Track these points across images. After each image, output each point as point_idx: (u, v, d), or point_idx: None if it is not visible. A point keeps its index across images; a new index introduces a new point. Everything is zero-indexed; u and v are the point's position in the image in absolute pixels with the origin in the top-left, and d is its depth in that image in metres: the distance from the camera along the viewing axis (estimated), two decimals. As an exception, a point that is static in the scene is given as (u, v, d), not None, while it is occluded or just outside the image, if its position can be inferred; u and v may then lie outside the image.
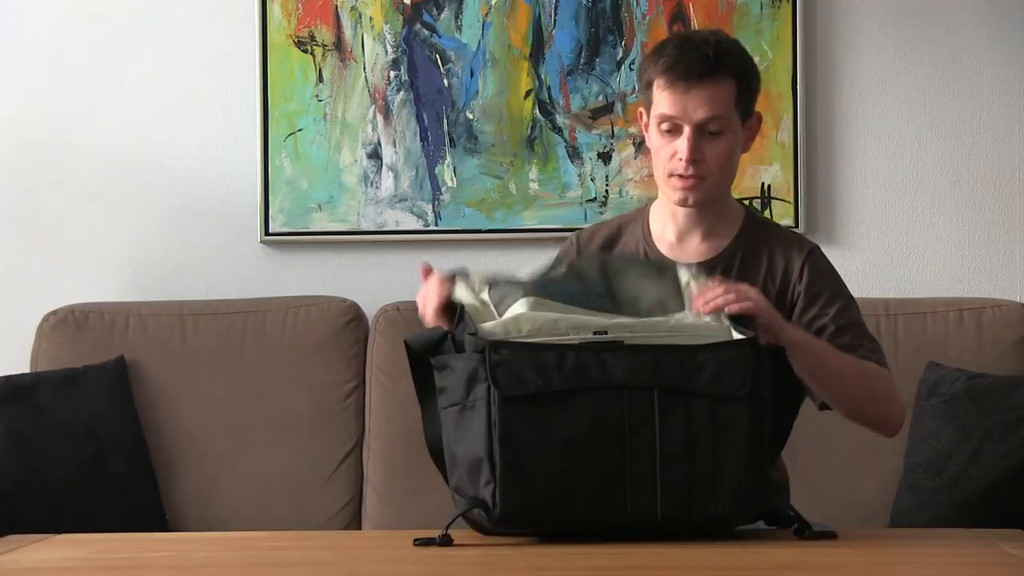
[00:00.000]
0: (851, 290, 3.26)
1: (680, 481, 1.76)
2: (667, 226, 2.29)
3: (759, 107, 2.27)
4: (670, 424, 1.77)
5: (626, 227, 2.34)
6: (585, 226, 2.48)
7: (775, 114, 3.30)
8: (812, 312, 2.22)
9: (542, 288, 1.91)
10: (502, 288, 1.92)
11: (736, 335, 1.84)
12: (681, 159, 2.18)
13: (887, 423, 2.20)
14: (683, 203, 2.23)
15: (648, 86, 2.22)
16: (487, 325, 1.84)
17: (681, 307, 1.92)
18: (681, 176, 2.19)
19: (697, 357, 1.80)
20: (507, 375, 1.76)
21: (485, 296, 1.91)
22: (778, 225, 2.45)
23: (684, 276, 1.96)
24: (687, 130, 2.17)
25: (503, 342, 1.79)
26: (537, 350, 1.78)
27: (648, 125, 2.26)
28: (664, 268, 2.01)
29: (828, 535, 1.83)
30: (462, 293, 1.93)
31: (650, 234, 2.30)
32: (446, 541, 1.78)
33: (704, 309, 1.89)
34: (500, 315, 1.86)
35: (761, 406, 1.81)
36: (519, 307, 1.86)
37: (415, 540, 1.79)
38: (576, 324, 1.83)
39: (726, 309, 1.88)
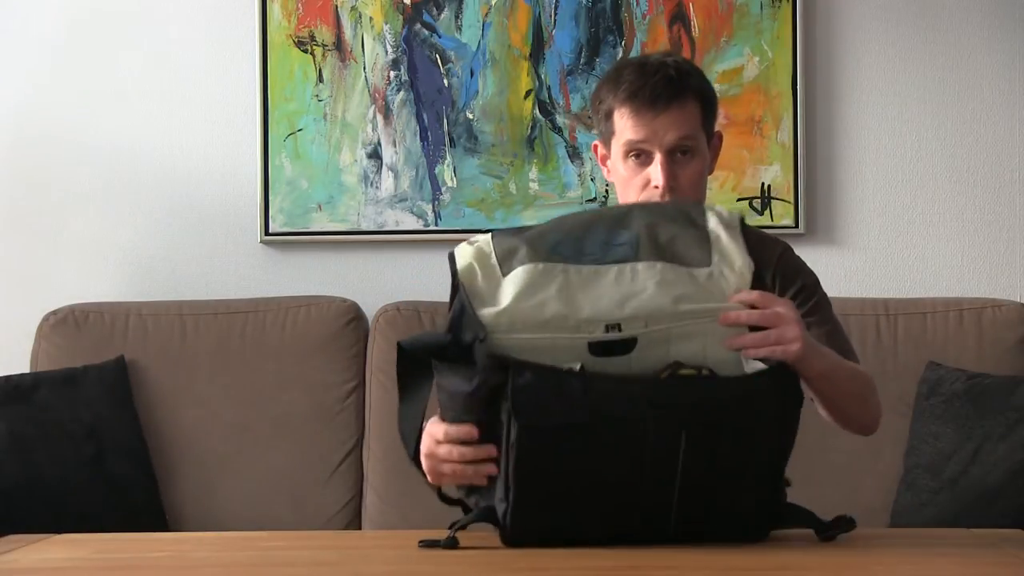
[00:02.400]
0: (851, 290, 3.29)
1: (699, 513, 1.72)
2: None
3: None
4: (694, 459, 1.69)
5: None
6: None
7: (775, 114, 3.30)
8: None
9: (549, 245, 1.75)
10: (506, 240, 1.77)
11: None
12: (657, 187, 2.08)
13: (869, 427, 2.11)
14: None
15: (608, 116, 2.12)
16: (488, 313, 1.70)
17: (706, 261, 1.75)
18: None
19: (726, 389, 1.70)
20: (530, 403, 1.67)
21: (491, 256, 1.76)
22: (747, 227, 2.34)
23: (712, 222, 1.80)
24: (659, 156, 2.08)
25: (526, 363, 1.67)
26: (563, 375, 1.67)
27: (607, 158, 2.17)
28: (692, 219, 1.81)
29: (846, 525, 1.82)
30: (463, 253, 1.77)
31: None
32: (451, 544, 1.75)
33: (745, 352, 1.74)
34: (504, 274, 1.73)
35: (783, 437, 1.75)
36: (519, 276, 1.71)
37: (420, 542, 1.77)
38: (588, 317, 1.69)
39: (771, 356, 1.74)
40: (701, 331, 1.71)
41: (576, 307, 1.71)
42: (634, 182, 2.11)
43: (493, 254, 1.76)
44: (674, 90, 2.08)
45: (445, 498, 1.84)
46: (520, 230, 1.81)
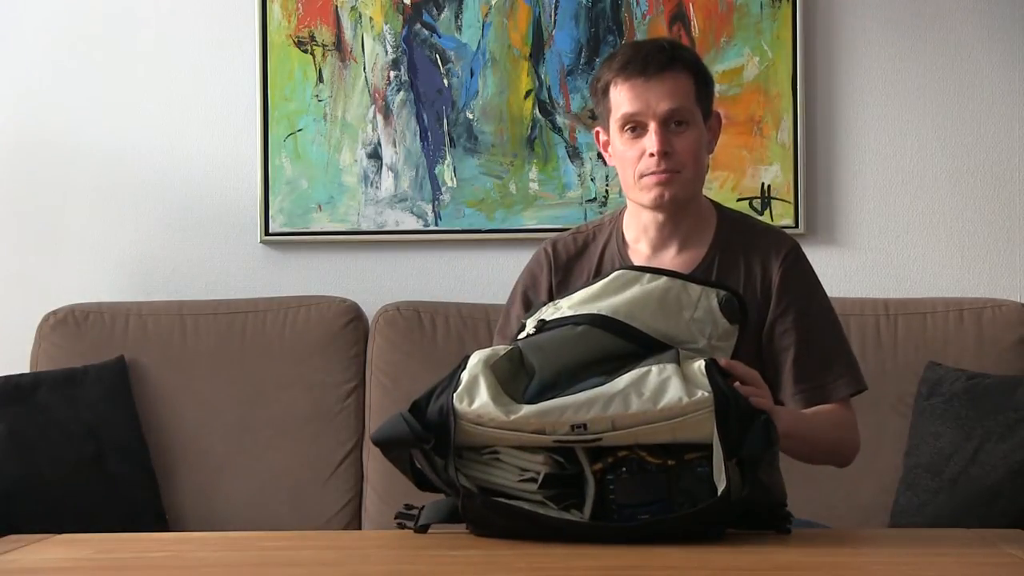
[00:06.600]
0: (851, 290, 3.29)
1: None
2: (640, 239, 2.23)
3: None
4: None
5: (600, 233, 2.29)
6: (557, 233, 2.38)
7: (775, 114, 3.30)
8: (783, 325, 2.17)
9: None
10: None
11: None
12: (652, 154, 2.13)
13: (840, 464, 2.22)
14: (659, 201, 2.15)
15: (605, 92, 2.17)
16: (460, 405, 1.76)
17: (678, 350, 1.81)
18: (654, 173, 2.13)
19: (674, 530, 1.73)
20: (476, 516, 1.78)
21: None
22: (754, 222, 2.32)
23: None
24: (653, 125, 2.13)
25: (472, 494, 1.75)
26: (510, 514, 1.74)
27: (608, 142, 2.21)
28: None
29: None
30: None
31: (624, 243, 2.24)
32: (422, 529, 1.86)
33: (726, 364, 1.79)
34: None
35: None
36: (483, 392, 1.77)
37: (396, 517, 1.88)
38: (554, 420, 1.72)
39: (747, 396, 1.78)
40: (669, 427, 1.72)
41: (543, 411, 1.74)
42: (629, 155, 2.16)
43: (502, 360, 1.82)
44: (666, 59, 2.14)
45: (426, 486, 1.87)
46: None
